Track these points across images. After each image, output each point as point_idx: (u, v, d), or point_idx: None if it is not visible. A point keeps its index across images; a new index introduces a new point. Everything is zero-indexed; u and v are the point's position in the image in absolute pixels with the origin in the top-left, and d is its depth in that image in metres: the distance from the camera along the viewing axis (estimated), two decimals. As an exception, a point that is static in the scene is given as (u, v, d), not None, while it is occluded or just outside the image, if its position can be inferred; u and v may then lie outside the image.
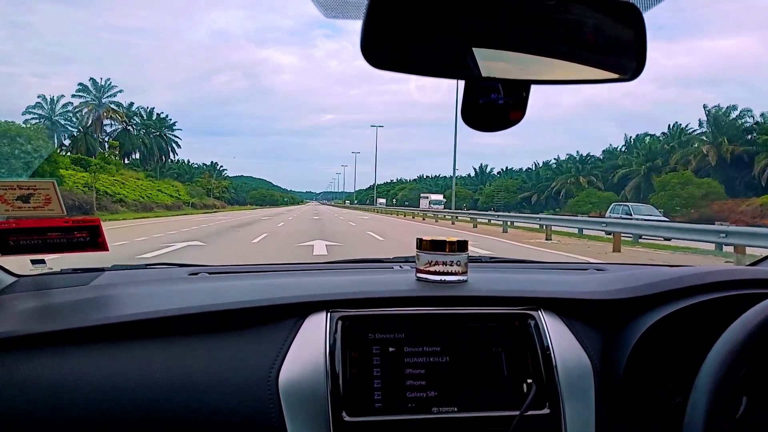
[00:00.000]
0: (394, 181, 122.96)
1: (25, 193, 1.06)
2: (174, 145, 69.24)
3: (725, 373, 0.66)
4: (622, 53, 0.65)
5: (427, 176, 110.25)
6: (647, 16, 0.66)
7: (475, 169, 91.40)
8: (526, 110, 0.67)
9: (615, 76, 0.66)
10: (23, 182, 1.06)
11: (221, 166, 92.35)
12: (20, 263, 1.17)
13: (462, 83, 0.64)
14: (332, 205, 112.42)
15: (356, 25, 0.58)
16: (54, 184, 1.08)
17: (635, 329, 0.97)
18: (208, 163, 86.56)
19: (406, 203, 79.84)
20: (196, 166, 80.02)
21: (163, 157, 67.26)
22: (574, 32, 0.63)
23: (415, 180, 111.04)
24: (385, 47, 0.57)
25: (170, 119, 68.94)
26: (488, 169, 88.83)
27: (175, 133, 69.36)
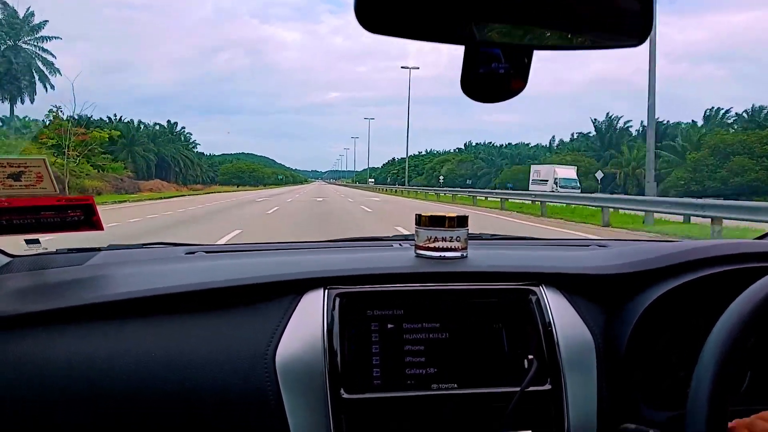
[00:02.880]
0: (423, 153, 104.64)
1: (16, 171, 1.04)
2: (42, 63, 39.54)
3: (731, 345, 0.64)
4: (628, 17, 0.62)
5: (478, 143, 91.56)
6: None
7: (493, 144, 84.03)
8: (528, 79, 0.65)
9: (620, 41, 0.63)
10: (13, 159, 1.04)
11: (185, 130, 68.52)
12: (15, 244, 1.15)
13: (461, 52, 0.62)
14: (340, 185, 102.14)
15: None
16: (45, 161, 1.06)
17: (638, 304, 0.95)
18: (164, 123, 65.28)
19: (470, 182, 60.66)
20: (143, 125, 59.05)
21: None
22: None
23: (460, 149, 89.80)
24: (381, 9, 0.54)
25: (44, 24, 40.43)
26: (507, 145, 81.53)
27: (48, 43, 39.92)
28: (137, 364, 0.83)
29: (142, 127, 59.62)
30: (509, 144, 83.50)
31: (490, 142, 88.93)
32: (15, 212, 1.06)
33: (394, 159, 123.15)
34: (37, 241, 1.17)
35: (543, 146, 74.36)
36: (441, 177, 58.29)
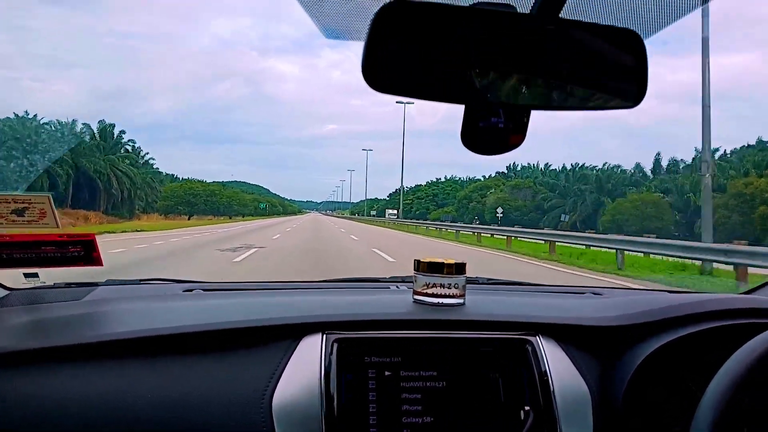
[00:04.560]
0: (443, 179, 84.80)
1: (20, 206, 1.05)
2: None
3: (726, 407, 0.64)
4: (623, 80, 0.65)
5: (525, 165, 70.87)
6: (648, 42, 0.66)
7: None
8: (526, 134, 0.67)
9: (616, 102, 0.66)
10: (18, 196, 1.05)
11: (138, 147, 49.37)
12: (13, 276, 1.15)
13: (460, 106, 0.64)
14: (338, 216, 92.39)
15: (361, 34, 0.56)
16: (49, 198, 1.08)
17: (634, 357, 0.95)
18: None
19: (528, 217, 46.46)
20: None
21: None
22: (576, 58, 0.63)
23: (503, 173, 69.19)
24: (386, 71, 0.57)
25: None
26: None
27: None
28: (131, 405, 0.82)
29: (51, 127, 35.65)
30: (588, 166, 55.73)
31: (548, 165, 67.18)
32: (16, 246, 1.07)
33: (403, 187, 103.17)
34: (35, 275, 1.18)
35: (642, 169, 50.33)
36: (499, 211, 42.49)
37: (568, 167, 59.38)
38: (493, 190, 59.72)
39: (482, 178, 72.24)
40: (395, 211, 67.61)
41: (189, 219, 47.53)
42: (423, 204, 78.73)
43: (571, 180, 54.00)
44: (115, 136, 44.86)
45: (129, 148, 47.03)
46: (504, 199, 52.38)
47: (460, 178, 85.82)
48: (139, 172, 44.37)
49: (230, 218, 57.22)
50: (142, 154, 50.39)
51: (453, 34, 0.58)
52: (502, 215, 43.20)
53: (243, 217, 65.36)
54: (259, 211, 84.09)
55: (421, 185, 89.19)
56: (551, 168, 65.61)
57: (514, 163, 72.24)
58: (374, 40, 0.55)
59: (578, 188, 50.08)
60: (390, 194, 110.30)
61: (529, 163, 71.74)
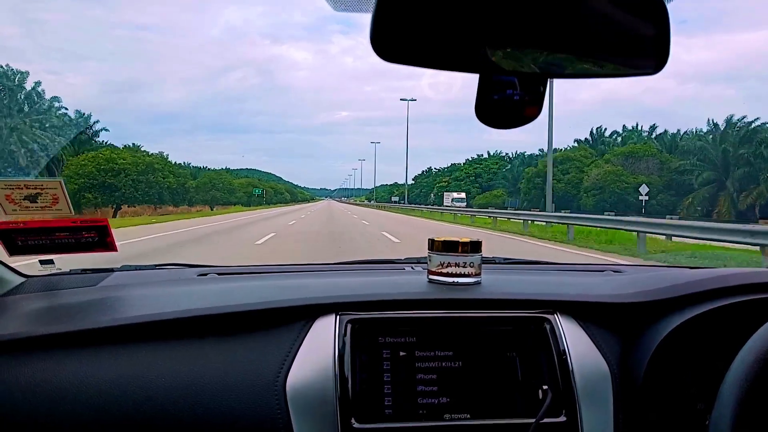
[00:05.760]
0: (485, 156, 69.41)
1: (33, 192, 1.05)
2: None
3: (752, 383, 0.62)
4: (644, 46, 0.62)
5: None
6: (670, 7, 0.63)
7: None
8: (542, 106, 0.64)
9: (636, 70, 0.63)
10: (30, 182, 1.05)
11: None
12: (29, 263, 1.16)
13: (475, 76, 0.62)
14: (356, 204, 79.53)
15: (368, 17, 0.56)
16: (61, 183, 1.07)
17: (655, 334, 0.93)
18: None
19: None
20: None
21: None
22: (595, 25, 0.60)
23: (585, 142, 53.28)
24: (396, 39, 0.55)
25: None
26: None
27: None
28: (147, 389, 0.83)
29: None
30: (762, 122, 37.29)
31: (654, 126, 50.54)
32: (31, 233, 1.07)
33: (430, 169, 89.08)
34: (51, 262, 1.18)
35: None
36: (644, 191, 28.88)
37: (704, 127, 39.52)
38: (589, 165, 41.57)
39: (536, 153, 54.49)
40: (462, 195, 50.58)
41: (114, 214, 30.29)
42: (463, 186, 63.94)
43: (732, 141, 35.67)
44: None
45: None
46: (614, 173, 37.82)
47: (507, 154, 69.66)
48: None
49: (192, 210, 39.26)
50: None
51: (466, 1, 0.56)
52: (647, 198, 29.11)
53: (227, 207, 47.95)
54: (254, 199, 63.48)
55: (458, 164, 73.41)
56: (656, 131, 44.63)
57: (600, 126, 53.88)
58: (383, 8, 0.53)
59: (746, 154, 33.76)
60: (416, 177, 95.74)
61: (625, 126, 52.73)
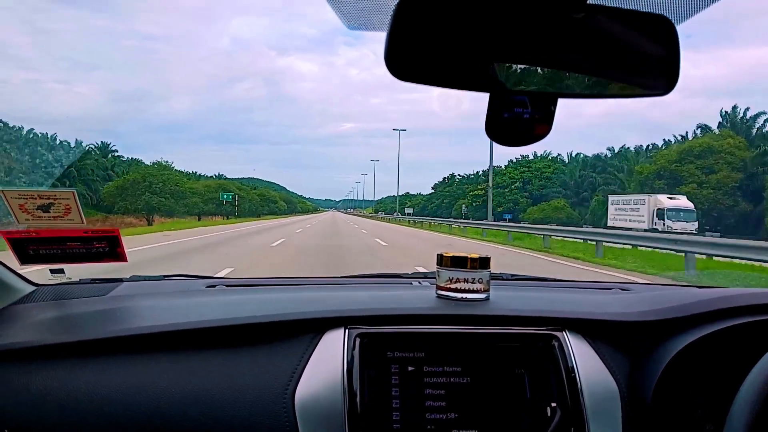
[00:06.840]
0: (527, 157, 57.49)
1: (46, 202, 1.06)
2: None
3: (762, 405, 0.62)
4: (653, 67, 0.62)
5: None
6: (679, 28, 0.64)
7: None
8: (552, 124, 0.65)
9: (646, 90, 0.63)
10: (44, 192, 1.07)
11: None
12: (39, 272, 1.17)
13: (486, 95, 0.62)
14: (363, 216, 73.07)
15: (378, 33, 0.56)
16: (74, 194, 1.09)
17: (664, 353, 0.93)
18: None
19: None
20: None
21: None
22: (604, 46, 0.61)
23: (709, 129, 38.69)
24: (410, 59, 0.56)
25: None
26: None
27: None
28: (155, 399, 0.83)
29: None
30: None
31: None
32: (42, 242, 1.08)
33: (453, 176, 77.38)
34: (62, 271, 1.19)
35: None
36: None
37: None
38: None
39: (630, 148, 41.45)
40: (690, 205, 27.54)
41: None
42: (508, 196, 52.72)
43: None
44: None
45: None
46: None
47: (559, 155, 56.81)
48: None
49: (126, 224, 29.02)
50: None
51: (478, 22, 0.57)
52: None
53: (185, 219, 35.45)
54: (224, 208, 46.73)
55: (501, 167, 57.98)
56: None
57: (735, 107, 37.95)
58: (398, 28, 0.54)
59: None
60: (435, 185, 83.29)
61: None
